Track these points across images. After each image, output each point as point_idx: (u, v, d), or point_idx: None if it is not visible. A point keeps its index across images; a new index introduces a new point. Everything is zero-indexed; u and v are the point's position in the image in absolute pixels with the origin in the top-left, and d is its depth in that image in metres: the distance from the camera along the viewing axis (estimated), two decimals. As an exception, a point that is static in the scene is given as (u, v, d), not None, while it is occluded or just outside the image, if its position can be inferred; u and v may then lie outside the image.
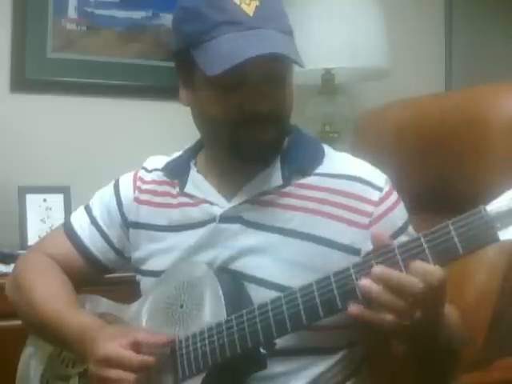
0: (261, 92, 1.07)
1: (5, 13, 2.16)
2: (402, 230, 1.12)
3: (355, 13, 2.24)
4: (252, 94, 1.07)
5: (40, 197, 2.10)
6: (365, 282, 0.88)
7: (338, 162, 1.17)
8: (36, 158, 2.20)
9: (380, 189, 1.13)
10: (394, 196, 1.15)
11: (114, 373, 1.00)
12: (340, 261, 1.04)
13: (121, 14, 2.32)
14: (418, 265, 0.86)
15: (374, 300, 0.87)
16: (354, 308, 0.88)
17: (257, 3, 1.05)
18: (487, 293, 1.26)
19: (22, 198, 2.08)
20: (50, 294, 1.19)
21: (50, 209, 2.11)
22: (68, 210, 2.07)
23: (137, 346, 1.02)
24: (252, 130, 1.08)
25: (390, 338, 0.98)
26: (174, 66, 1.17)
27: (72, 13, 2.24)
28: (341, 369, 1.14)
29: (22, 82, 2.19)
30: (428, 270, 0.86)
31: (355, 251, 1.09)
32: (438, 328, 0.96)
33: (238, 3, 1.04)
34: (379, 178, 1.15)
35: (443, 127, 1.40)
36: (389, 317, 0.87)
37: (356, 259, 0.95)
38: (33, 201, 2.09)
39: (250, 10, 1.05)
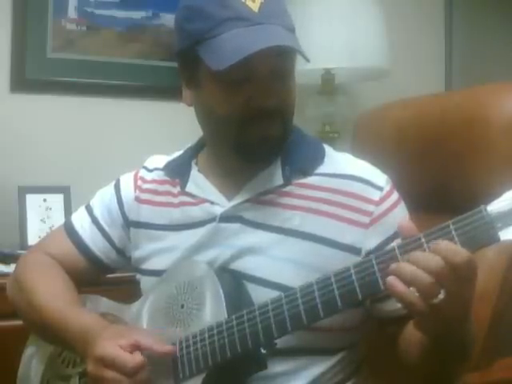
0: (267, 87, 1.08)
1: (5, 13, 2.16)
2: (402, 230, 1.12)
3: (355, 13, 2.24)
4: (258, 90, 1.07)
5: (40, 197, 2.10)
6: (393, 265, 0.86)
7: (339, 162, 1.18)
8: (36, 158, 2.20)
9: (380, 188, 1.13)
10: (395, 196, 1.15)
11: (109, 374, 1.00)
12: (340, 260, 1.04)
13: (121, 14, 2.31)
14: (442, 244, 0.83)
15: (400, 275, 0.84)
16: (392, 280, 0.85)
17: (262, 0, 1.06)
18: (487, 293, 1.26)
19: (22, 198, 2.08)
20: (52, 293, 1.19)
21: (50, 209, 2.11)
22: (68, 210, 2.07)
23: (136, 347, 1.01)
24: (258, 125, 1.09)
25: (418, 328, 0.94)
26: (177, 66, 1.17)
27: (72, 13, 2.24)
28: (341, 369, 1.14)
29: (22, 82, 2.19)
30: (450, 248, 0.83)
31: (356, 251, 1.09)
32: (466, 317, 0.93)
33: (244, 0, 1.05)
34: (380, 177, 1.15)
35: (443, 127, 1.40)
36: (416, 295, 0.84)
37: (357, 259, 0.95)
38: (33, 201, 2.09)
39: (255, 6, 1.05)
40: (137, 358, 1.00)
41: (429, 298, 0.85)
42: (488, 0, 2.93)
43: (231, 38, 1.04)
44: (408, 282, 0.84)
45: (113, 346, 1.01)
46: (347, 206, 1.11)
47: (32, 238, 2.01)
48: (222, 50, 1.04)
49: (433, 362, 1.01)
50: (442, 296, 0.86)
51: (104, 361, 1.00)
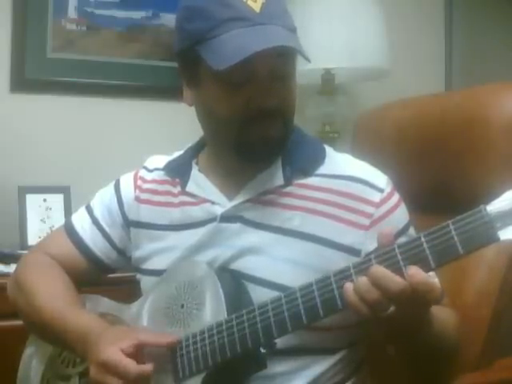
0: (267, 88, 1.08)
1: (5, 13, 2.17)
2: (402, 232, 1.12)
3: (355, 13, 2.24)
4: (259, 90, 1.07)
5: (40, 197, 2.10)
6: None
7: (340, 162, 1.18)
8: (36, 158, 2.21)
9: (381, 190, 1.13)
10: (396, 197, 1.15)
11: (112, 380, 0.99)
12: (340, 261, 1.04)
13: (121, 14, 2.32)
14: (413, 270, 0.86)
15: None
16: (348, 285, 0.89)
17: (263, 0, 1.06)
18: (487, 293, 1.26)
19: (22, 198, 2.08)
20: (52, 294, 1.19)
21: (50, 209, 2.11)
22: (68, 210, 2.08)
23: (139, 349, 1.01)
24: (259, 126, 1.08)
25: (377, 337, 0.98)
26: (178, 66, 1.17)
27: (72, 13, 2.25)
28: (341, 368, 1.14)
29: (22, 82, 2.19)
30: (423, 280, 0.86)
31: (355, 252, 1.09)
32: (422, 327, 0.96)
33: (245, 0, 1.05)
34: (380, 179, 1.15)
35: (443, 127, 1.39)
36: (365, 306, 0.88)
37: (356, 259, 0.95)
38: (33, 201, 2.09)
39: (256, 6, 1.05)
40: (143, 365, 0.99)
41: (377, 312, 0.89)
42: (488, 0, 2.93)
43: (232, 38, 1.04)
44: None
45: (115, 351, 1.00)
46: (347, 208, 1.11)
47: (32, 238, 2.01)
48: (223, 50, 1.03)
49: (411, 364, 1.04)
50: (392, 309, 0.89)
51: (106, 366, 1.00)
